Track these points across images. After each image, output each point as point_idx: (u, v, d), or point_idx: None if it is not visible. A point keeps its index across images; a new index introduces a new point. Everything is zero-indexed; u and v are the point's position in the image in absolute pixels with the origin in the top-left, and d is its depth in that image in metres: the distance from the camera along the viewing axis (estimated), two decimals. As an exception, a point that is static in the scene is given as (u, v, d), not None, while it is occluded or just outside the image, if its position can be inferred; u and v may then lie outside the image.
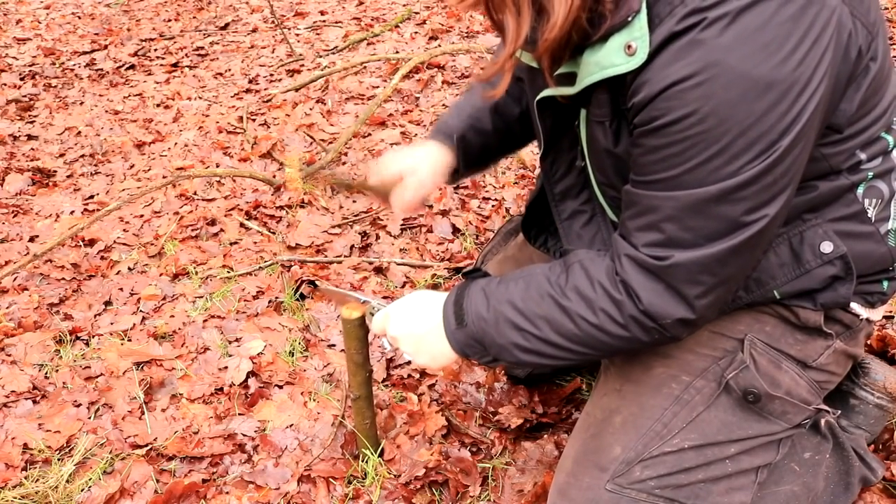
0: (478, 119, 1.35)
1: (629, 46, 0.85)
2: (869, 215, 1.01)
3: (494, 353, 1.06)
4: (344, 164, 2.74)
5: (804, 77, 0.81)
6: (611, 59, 0.87)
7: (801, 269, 1.02)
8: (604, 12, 0.87)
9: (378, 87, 3.43)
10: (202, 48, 4.22)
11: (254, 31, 4.48)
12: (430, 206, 2.22)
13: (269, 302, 2.02)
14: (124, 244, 2.35)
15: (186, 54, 4.14)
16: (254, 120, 3.21)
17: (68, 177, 2.84)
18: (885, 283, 1.06)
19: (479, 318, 1.06)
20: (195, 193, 2.60)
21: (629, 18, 0.85)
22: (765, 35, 0.79)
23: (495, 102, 1.35)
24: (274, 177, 2.65)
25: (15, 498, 1.44)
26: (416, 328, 1.14)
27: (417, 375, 1.71)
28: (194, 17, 4.80)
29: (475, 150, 1.36)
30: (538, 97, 1.05)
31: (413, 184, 1.31)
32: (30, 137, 3.19)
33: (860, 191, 1.00)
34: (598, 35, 0.88)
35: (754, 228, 0.88)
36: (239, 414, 1.65)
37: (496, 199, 2.43)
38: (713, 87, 0.81)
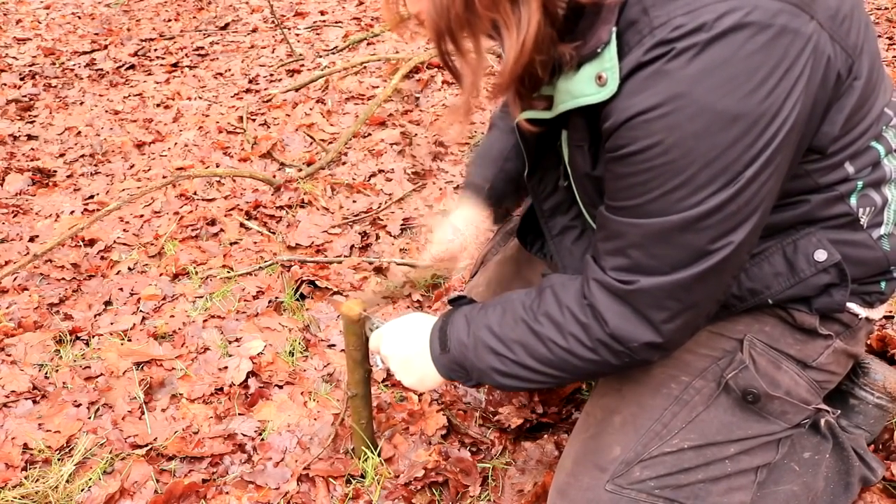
0: (504, 161, 1.36)
1: (600, 77, 0.85)
2: (861, 223, 1.00)
3: (476, 377, 1.09)
4: (344, 163, 2.74)
5: (772, 109, 0.80)
6: (582, 88, 0.87)
7: (795, 277, 1.02)
8: (563, 56, 0.87)
9: (378, 87, 3.43)
10: (202, 48, 4.22)
11: (254, 31, 4.48)
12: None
13: (269, 302, 2.02)
14: (124, 244, 2.35)
15: (186, 54, 4.15)
16: (254, 120, 3.22)
17: (68, 177, 2.84)
18: (884, 284, 1.06)
19: (460, 343, 1.08)
20: (195, 193, 2.60)
21: (598, 50, 0.84)
22: (732, 67, 0.78)
23: (516, 138, 1.35)
24: (274, 177, 2.65)
25: (15, 498, 1.45)
26: (406, 350, 1.17)
27: (417, 375, 1.71)
28: (194, 17, 4.80)
29: (509, 193, 1.39)
30: (516, 120, 1.06)
31: (467, 257, 1.37)
32: (30, 137, 3.20)
33: (853, 200, 0.99)
34: (571, 64, 0.88)
35: (719, 256, 0.87)
36: (239, 414, 1.65)
37: (496, 199, 2.43)
38: (678, 118, 0.80)
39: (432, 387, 1.18)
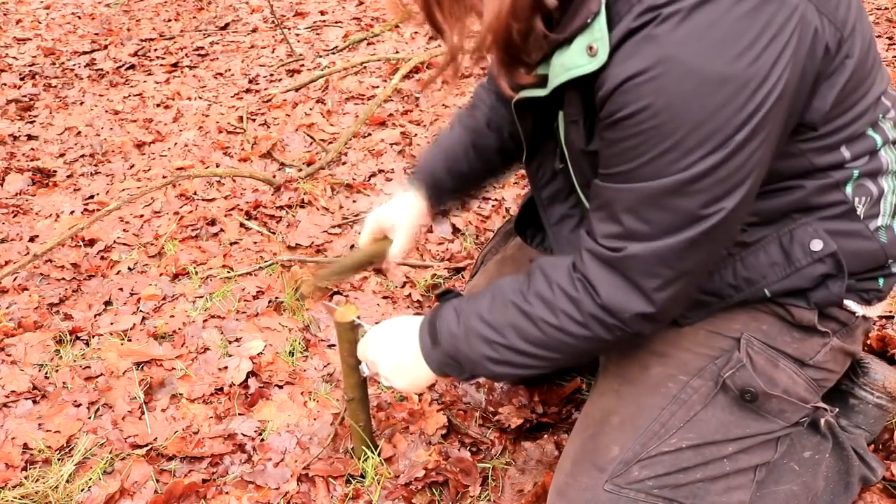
0: (453, 158, 1.37)
1: (591, 47, 0.87)
2: (858, 213, 1.01)
3: (469, 369, 1.08)
4: (344, 163, 2.75)
5: (760, 73, 0.81)
6: (575, 60, 0.89)
7: (791, 267, 1.02)
8: (538, 32, 0.90)
9: (378, 87, 3.43)
10: (202, 48, 4.22)
11: (254, 31, 4.48)
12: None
13: (269, 302, 2.02)
14: (124, 244, 2.35)
15: (186, 54, 4.15)
16: (254, 120, 3.22)
17: (68, 177, 2.84)
18: (881, 281, 1.06)
19: (451, 334, 1.07)
20: (195, 193, 2.60)
21: (588, 21, 0.86)
22: (719, 31, 0.80)
23: (472, 139, 1.37)
24: (274, 177, 2.65)
25: (15, 498, 1.45)
26: (395, 352, 1.16)
27: (417, 375, 1.71)
28: (194, 17, 4.80)
29: (449, 188, 1.39)
30: (513, 100, 1.07)
31: (398, 238, 1.37)
32: (30, 137, 3.20)
33: (849, 190, 0.99)
34: (564, 37, 0.90)
35: (711, 221, 0.88)
36: (239, 414, 1.65)
37: (496, 200, 2.43)
38: (666, 81, 0.81)
39: (425, 386, 1.17)
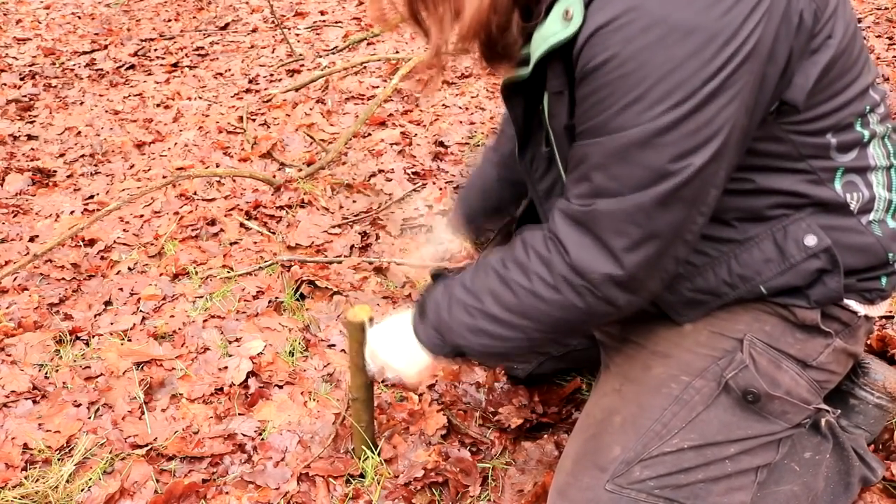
0: (486, 195, 1.52)
1: (567, 13, 0.87)
2: (851, 208, 1.01)
3: (449, 340, 1.08)
4: (344, 163, 2.75)
5: (730, 27, 0.81)
6: (552, 28, 0.90)
7: (785, 263, 1.02)
8: (516, 26, 0.93)
9: (378, 87, 3.43)
10: (202, 48, 4.22)
11: (254, 31, 4.48)
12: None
13: (269, 302, 2.02)
14: (124, 244, 2.35)
15: (186, 54, 4.15)
16: (254, 120, 3.22)
17: (68, 177, 2.84)
18: (884, 280, 1.06)
19: (436, 304, 1.09)
20: (195, 193, 2.60)
21: None
22: None
23: (500, 173, 1.47)
24: (274, 177, 2.65)
25: (15, 498, 1.45)
26: (393, 334, 1.18)
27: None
28: (194, 17, 4.80)
29: (487, 220, 1.55)
30: (502, 86, 1.09)
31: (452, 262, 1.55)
32: (30, 137, 3.20)
33: (837, 186, 1.00)
34: (541, 15, 0.92)
35: (679, 178, 0.87)
36: (239, 414, 1.65)
37: (496, 199, 2.43)
38: (633, 30, 0.81)
39: (422, 367, 1.16)
